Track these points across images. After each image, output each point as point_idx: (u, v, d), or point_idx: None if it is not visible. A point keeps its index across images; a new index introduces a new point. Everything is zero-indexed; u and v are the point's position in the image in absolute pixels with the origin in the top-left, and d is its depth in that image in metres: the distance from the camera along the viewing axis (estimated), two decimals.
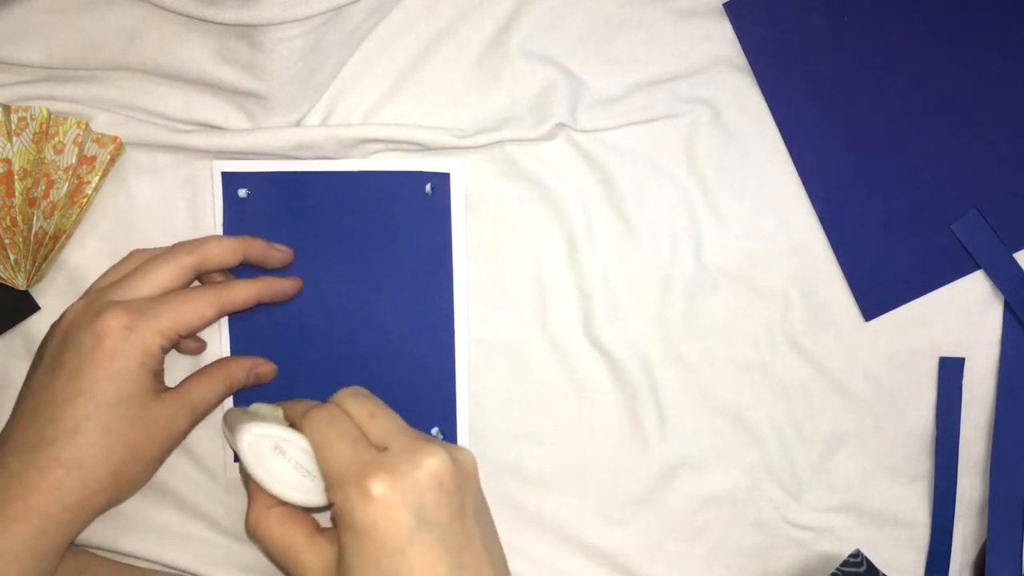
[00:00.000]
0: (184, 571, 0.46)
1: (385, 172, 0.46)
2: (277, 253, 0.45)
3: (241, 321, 0.46)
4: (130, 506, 0.46)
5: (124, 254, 0.46)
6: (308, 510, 0.39)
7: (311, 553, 0.38)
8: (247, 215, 0.46)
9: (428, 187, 0.46)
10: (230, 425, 0.40)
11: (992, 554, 0.47)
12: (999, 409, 0.47)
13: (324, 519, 0.40)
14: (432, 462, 0.36)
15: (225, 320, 0.46)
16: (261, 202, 0.46)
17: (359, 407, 0.39)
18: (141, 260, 0.43)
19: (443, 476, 0.36)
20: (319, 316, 0.46)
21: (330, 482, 0.37)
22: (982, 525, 0.48)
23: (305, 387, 0.47)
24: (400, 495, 0.35)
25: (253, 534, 0.39)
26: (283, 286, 0.45)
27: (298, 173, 0.45)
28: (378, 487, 0.35)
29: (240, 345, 0.46)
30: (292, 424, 0.40)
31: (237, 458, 0.45)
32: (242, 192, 0.46)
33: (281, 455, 0.38)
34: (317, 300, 0.46)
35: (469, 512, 0.37)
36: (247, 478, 0.40)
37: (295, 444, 0.38)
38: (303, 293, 0.46)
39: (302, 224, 0.46)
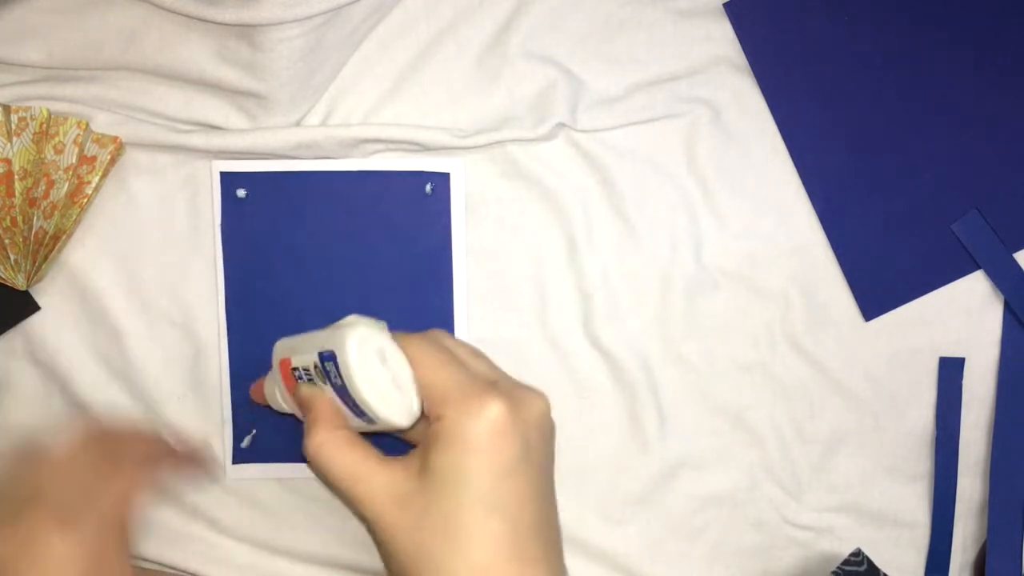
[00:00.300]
0: (184, 571, 0.47)
1: (385, 172, 0.46)
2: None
3: (241, 322, 0.46)
4: None
5: (124, 254, 0.46)
6: (373, 435, 0.38)
7: (385, 474, 0.36)
8: (246, 215, 0.46)
9: (428, 187, 0.46)
10: (312, 338, 0.38)
11: (992, 554, 0.47)
12: (999, 409, 0.47)
13: None
14: (541, 403, 0.37)
15: (224, 322, 0.46)
16: (260, 202, 0.46)
17: (459, 345, 0.39)
18: None
19: (546, 420, 0.37)
20: (319, 317, 0.46)
21: (441, 398, 0.36)
22: (982, 525, 0.48)
23: None
24: (513, 423, 0.35)
25: (316, 456, 0.37)
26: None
27: (297, 173, 0.45)
28: (496, 409, 0.35)
29: (238, 345, 0.46)
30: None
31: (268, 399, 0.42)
32: (241, 192, 0.46)
33: (382, 364, 0.37)
34: (317, 301, 0.46)
35: (551, 462, 0.38)
36: (311, 398, 0.38)
37: (397, 357, 0.37)
38: (303, 294, 0.46)
39: (301, 224, 0.46)
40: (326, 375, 0.38)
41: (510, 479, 0.35)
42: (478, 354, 0.39)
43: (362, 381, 0.36)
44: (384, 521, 0.36)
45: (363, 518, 0.37)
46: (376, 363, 0.37)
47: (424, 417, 0.37)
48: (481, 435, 0.35)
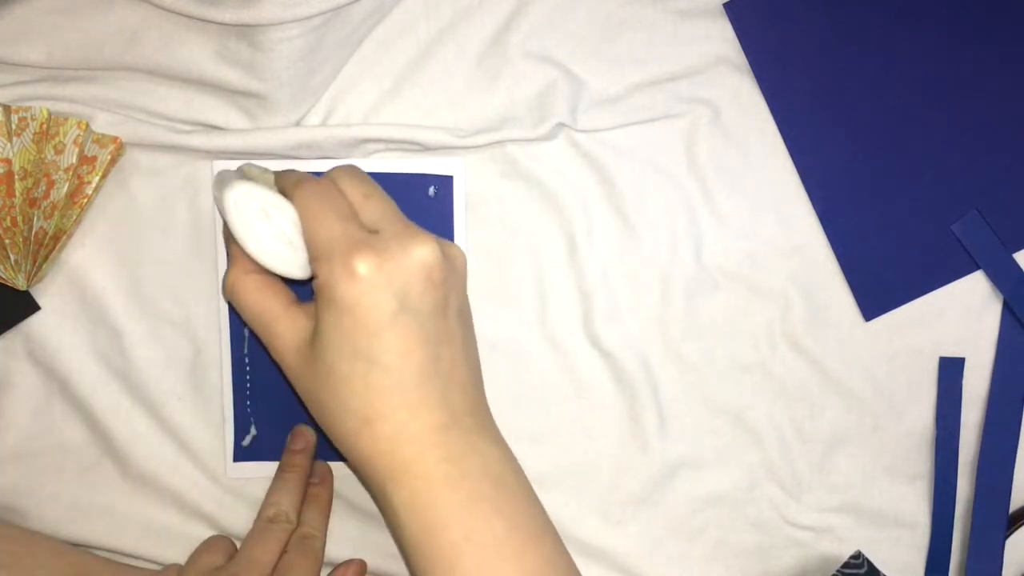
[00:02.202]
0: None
1: (388, 174, 0.46)
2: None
3: (241, 323, 0.46)
4: (130, 506, 0.46)
5: (124, 254, 0.46)
6: (286, 282, 0.39)
7: (285, 322, 0.37)
8: None
9: (431, 190, 0.46)
10: (219, 181, 0.39)
11: (973, 553, 0.47)
12: (990, 408, 0.47)
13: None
14: (422, 251, 0.36)
15: (226, 324, 0.46)
16: None
17: (354, 186, 0.38)
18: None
19: (431, 267, 0.36)
20: None
21: (315, 254, 0.36)
22: None
23: None
24: (386, 278, 0.35)
25: (230, 295, 0.39)
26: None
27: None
28: (364, 266, 0.35)
29: (240, 347, 0.46)
30: (283, 193, 0.38)
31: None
32: None
33: (266, 219, 0.37)
34: None
35: (453, 308, 0.37)
36: (227, 239, 0.39)
37: (282, 211, 0.37)
38: (305, 294, 0.46)
39: None
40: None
41: (387, 332, 0.35)
42: (371, 196, 0.38)
43: (244, 238, 0.37)
44: (285, 365, 0.38)
45: (273, 361, 0.38)
46: (259, 219, 0.37)
47: None
48: (348, 294, 0.35)
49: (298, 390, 0.38)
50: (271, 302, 0.38)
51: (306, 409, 0.39)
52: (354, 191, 0.38)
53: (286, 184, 0.38)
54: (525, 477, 0.38)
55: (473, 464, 0.36)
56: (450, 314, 0.37)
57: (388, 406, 0.35)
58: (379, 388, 0.35)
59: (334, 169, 0.39)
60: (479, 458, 0.36)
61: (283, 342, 0.37)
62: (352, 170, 0.39)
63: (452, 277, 0.37)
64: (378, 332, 0.35)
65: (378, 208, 0.38)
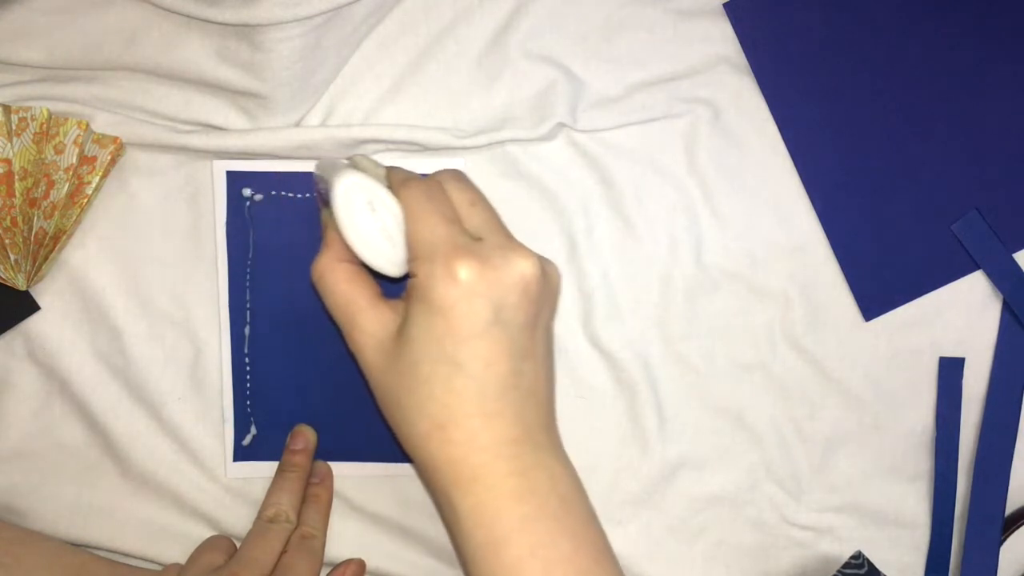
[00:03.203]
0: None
1: None
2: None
3: (241, 323, 0.46)
4: (130, 506, 0.46)
5: (124, 254, 0.46)
6: (376, 276, 0.39)
7: (370, 316, 0.37)
8: (251, 214, 0.46)
9: None
10: (326, 168, 0.39)
11: (968, 554, 0.47)
12: (988, 408, 0.47)
13: None
14: (523, 265, 0.36)
15: (226, 324, 0.46)
16: (265, 202, 0.46)
17: (461, 191, 0.38)
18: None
19: (529, 281, 0.36)
20: (320, 318, 0.46)
21: (416, 253, 0.36)
22: None
23: (307, 389, 0.47)
24: (485, 286, 0.35)
25: (317, 281, 0.39)
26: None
27: (303, 173, 0.45)
28: (465, 271, 0.34)
29: (240, 347, 0.46)
30: (390, 188, 0.38)
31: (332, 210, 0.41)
32: (246, 191, 0.46)
33: (371, 212, 0.37)
34: (318, 301, 0.46)
35: (542, 324, 0.37)
36: (327, 224, 0.39)
37: (388, 206, 0.37)
38: (304, 295, 0.46)
39: (306, 224, 0.46)
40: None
41: (477, 340, 0.35)
42: (476, 203, 0.38)
43: (347, 227, 0.37)
44: (363, 358, 0.38)
45: (351, 354, 0.38)
46: (365, 211, 0.37)
47: None
48: (445, 298, 0.35)
49: (373, 385, 0.38)
50: (359, 294, 0.38)
51: (377, 408, 0.38)
52: (460, 196, 0.38)
53: (394, 181, 0.38)
54: (589, 499, 0.38)
55: (542, 480, 0.36)
56: (539, 330, 0.37)
57: (464, 413, 0.35)
58: (459, 394, 0.35)
59: (441, 172, 0.39)
60: (548, 475, 0.36)
61: (365, 336, 0.37)
62: (459, 175, 0.39)
63: (547, 294, 0.37)
64: (469, 339, 0.35)
65: (482, 216, 0.38)
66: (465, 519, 0.35)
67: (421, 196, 0.37)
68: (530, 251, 0.36)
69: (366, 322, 0.37)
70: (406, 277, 0.38)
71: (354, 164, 0.40)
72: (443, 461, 0.36)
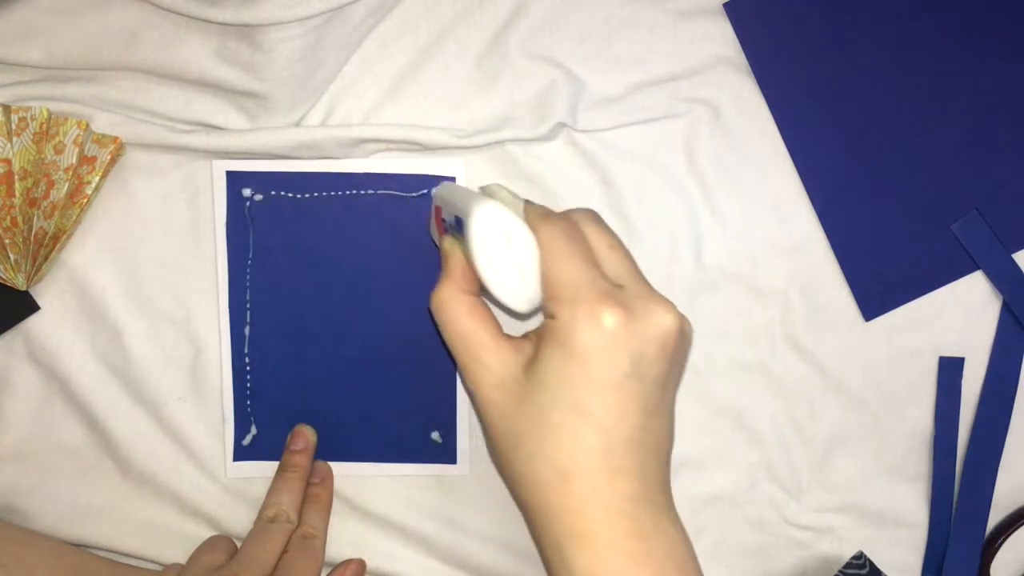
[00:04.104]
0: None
1: (388, 174, 0.46)
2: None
3: (241, 323, 0.46)
4: (130, 506, 0.46)
5: (124, 254, 0.46)
6: (500, 309, 0.37)
7: (494, 353, 0.36)
8: (251, 215, 0.46)
9: (433, 190, 0.46)
10: (454, 194, 0.38)
11: (952, 550, 0.47)
12: (981, 408, 0.47)
13: None
14: (667, 318, 0.35)
15: (226, 324, 0.46)
16: (265, 202, 0.46)
17: (600, 234, 0.37)
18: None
19: (668, 335, 0.35)
20: (320, 318, 0.46)
21: (557, 295, 0.35)
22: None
23: (307, 389, 0.47)
24: (628, 337, 0.34)
25: (437, 310, 0.37)
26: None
27: (303, 173, 0.45)
28: (611, 319, 0.33)
29: (240, 347, 0.46)
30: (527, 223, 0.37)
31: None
32: (246, 191, 0.46)
33: (507, 244, 0.35)
34: (318, 302, 0.46)
35: (672, 381, 0.36)
36: (450, 252, 0.38)
37: (525, 241, 0.36)
38: (304, 294, 0.46)
39: (306, 224, 0.46)
40: (462, 237, 0.37)
41: (612, 392, 0.34)
42: (616, 248, 0.37)
43: (481, 259, 0.36)
44: (482, 396, 0.36)
45: (466, 388, 0.37)
46: (501, 243, 0.36)
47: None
48: (587, 345, 0.33)
49: (490, 424, 0.37)
50: (482, 328, 0.36)
51: (496, 451, 0.37)
52: (599, 239, 0.37)
53: (531, 215, 0.37)
54: (699, 565, 0.36)
55: (659, 545, 0.34)
56: (670, 386, 0.36)
57: (590, 466, 0.34)
58: (587, 445, 0.34)
59: (577, 212, 0.38)
60: (665, 540, 0.35)
61: (487, 373, 0.36)
62: (596, 217, 0.38)
63: (681, 350, 0.36)
64: (604, 389, 0.34)
65: (621, 261, 0.37)
66: (579, 575, 0.34)
67: (562, 235, 0.35)
68: (672, 304, 0.35)
69: (489, 358, 0.36)
70: (531, 315, 0.37)
71: (490, 193, 0.38)
72: (562, 512, 0.34)
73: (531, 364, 0.35)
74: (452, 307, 0.37)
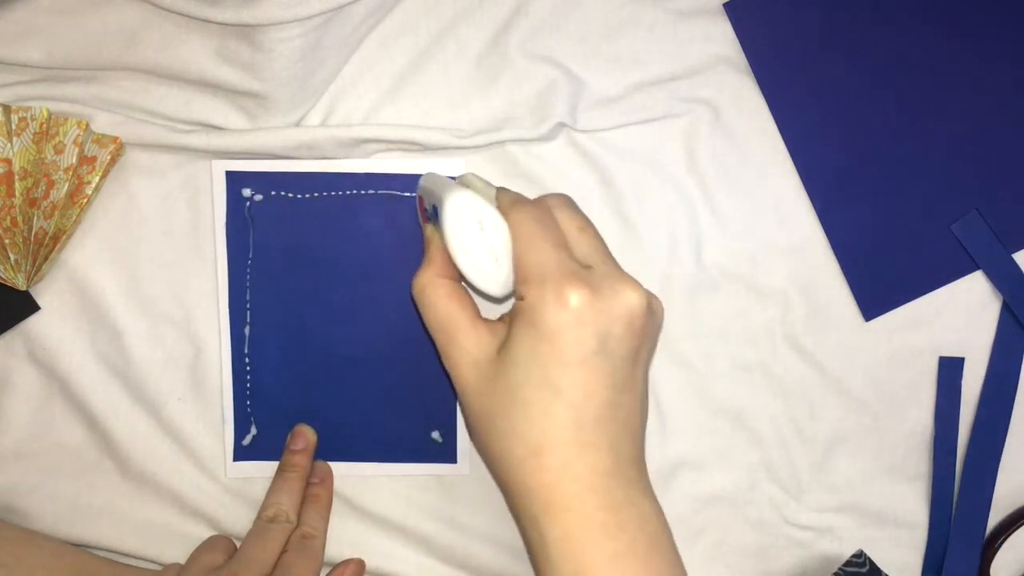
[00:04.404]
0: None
1: (388, 174, 0.46)
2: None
3: (241, 323, 0.46)
4: (130, 506, 0.46)
5: (124, 254, 0.46)
6: (477, 294, 0.39)
7: (470, 334, 0.37)
8: (251, 215, 0.46)
9: None
10: (434, 183, 0.39)
11: (952, 550, 0.47)
12: (980, 408, 0.47)
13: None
14: (632, 296, 0.36)
15: (226, 324, 0.46)
16: (265, 202, 0.46)
17: (570, 218, 0.38)
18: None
19: (636, 314, 0.35)
20: (320, 318, 0.46)
21: (526, 276, 0.36)
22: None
23: (307, 389, 0.47)
24: (593, 315, 0.34)
25: (418, 295, 0.39)
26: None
27: (303, 173, 0.45)
28: (576, 298, 0.34)
29: (240, 347, 0.46)
30: (499, 209, 0.38)
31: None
32: (246, 191, 0.46)
33: (480, 231, 0.37)
34: (318, 302, 0.46)
35: (642, 359, 0.37)
36: (431, 239, 0.39)
37: (497, 227, 0.37)
38: (304, 294, 0.46)
39: (306, 224, 0.46)
40: (438, 225, 0.38)
41: (580, 369, 0.34)
42: (585, 231, 0.38)
43: (455, 245, 0.37)
44: (459, 377, 0.37)
45: (445, 370, 0.38)
46: (474, 229, 0.37)
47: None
48: (553, 323, 0.34)
49: (465, 404, 0.38)
50: (459, 311, 0.38)
51: (473, 430, 0.38)
52: (569, 222, 0.38)
53: (503, 201, 0.38)
54: (674, 542, 0.37)
55: (631, 517, 0.35)
56: (639, 363, 0.37)
57: (560, 440, 0.35)
58: (557, 420, 0.35)
59: (549, 197, 0.39)
60: (637, 512, 0.36)
61: (464, 354, 0.37)
62: (568, 201, 0.39)
63: (651, 328, 0.37)
64: (572, 366, 0.34)
65: (591, 243, 0.38)
66: (552, 548, 0.35)
67: (531, 219, 0.37)
68: (638, 284, 0.36)
69: (465, 340, 0.37)
70: (506, 298, 0.38)
71: (464, 182, 0.40)
72: (535, 487, 0.35)
73: (504, 345, 0.36)
74: (431, 291, 0.38)
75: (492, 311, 0.41)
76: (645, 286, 0.47)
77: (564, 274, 0.35)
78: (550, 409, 0.35)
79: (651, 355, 0.38)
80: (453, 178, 0.42)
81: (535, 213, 0.37)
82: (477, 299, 0.39)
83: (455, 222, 0.37)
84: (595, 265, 0.37)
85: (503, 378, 0.36)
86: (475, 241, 0.37)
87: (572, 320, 0.34)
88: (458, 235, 0.37)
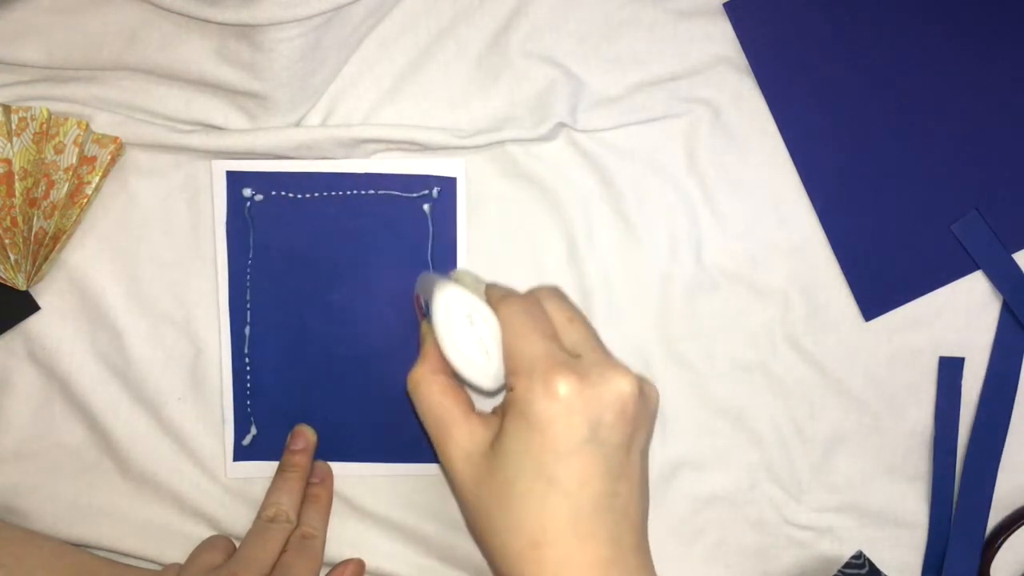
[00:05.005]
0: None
1: (388, 174, 0.46)
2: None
3: (241, 323, 0.46)
4: (130, 506, 0.46)
5: (124, 254, 0.46)
6: (470, 389, 0.39)
7: (463, 430, 0.37)
8: (251, 215, 0.46)
9: (435, 191, 0.46)
10: (427, 280, 0.40)
11: (952, 550, 0.47)
12: (980, 408, 0.47)
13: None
14: (621, 383, 0.35)
15: (226, 324, 0.46)
16: (265, 202, 0.46)
17: (559, 309, 0.38)
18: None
19: (627, 401, 0.35)
20: (321, 318, 0.46)
21: (514, 368, 0.36)
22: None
23: (307, 389, 0.47)
24: (583, 403, 0.34)
25: (413, 391, 0.39)
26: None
27: (304, 173, 0.45)
28: (564, 387, 0.34)
29: (240, 347, 0.46)
30: (489, 303, 0.39)
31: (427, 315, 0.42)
32: (247, 191, 0.46)
33: (470, 325, 0.38)
34: (319, 301, 0.46)
35: (637, 445, 0.37)
36: (426, 335, 0.40)
37: (487, 321, 0.38)
38: (304, 294, 0.46)
39: (306, 224, 0.46)
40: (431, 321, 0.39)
41: (573, 458, 0.34)
42: (575, 320, 0.38)
43: (445, 340, 0.38)
44: (453, 471, 0.37)
45: (441, 466, 0.38)
46: (464, 325, 0.38)
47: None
48: (543, 414, 0.34)
49: (462, 498, 0.38)
50: (453, 406, 0.38)
51: (471, 524, 0.38)
52: (558, 313, 0.38)
53: (492, 296, 0.38)
54: None
55: None
56: (634, 450, 0.36)
57: (559, 532, 0.34)
58: (554, 512, 0.34)
59: (539, 289, 0.39)
60: None
61: (458, 449, 0.37)
62: (557, 292, 0.39)
63: (644, 414, 0.37)
64: (564, 456, 0.34)
65: (580, 332, 0.38)
66: None
67: (520, 311, 0.37)
68: (628, 370, 0.36)
69: (459, 434, 0.37)
70: (499, 391, 0.38)
71: (455, 278, 0.40)
72: None
73: (497, 438, 0.36)
74: (425, 387, 0.38)
75: (490, 405, 0.41)
76: (646, 285, 0.47)
77: (552, 364, 0.35)
78: (546, 500, 0.34)
79: (648, 440, 0.38)
80: (446, 274, 0.43)
81: (523, 305, 0.37)
82: (475, 395, 0.40)
83: (444, 317, 0.38)
84: (584, 354, 0.36)
85: (498, 471, 0.36)
86: (465, 335, 0.38)
87: (562, 409, 0.34)
88: (448, 330, 0.38)
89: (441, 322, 0.38)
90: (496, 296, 0.38)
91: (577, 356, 0.36)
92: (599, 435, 0.35)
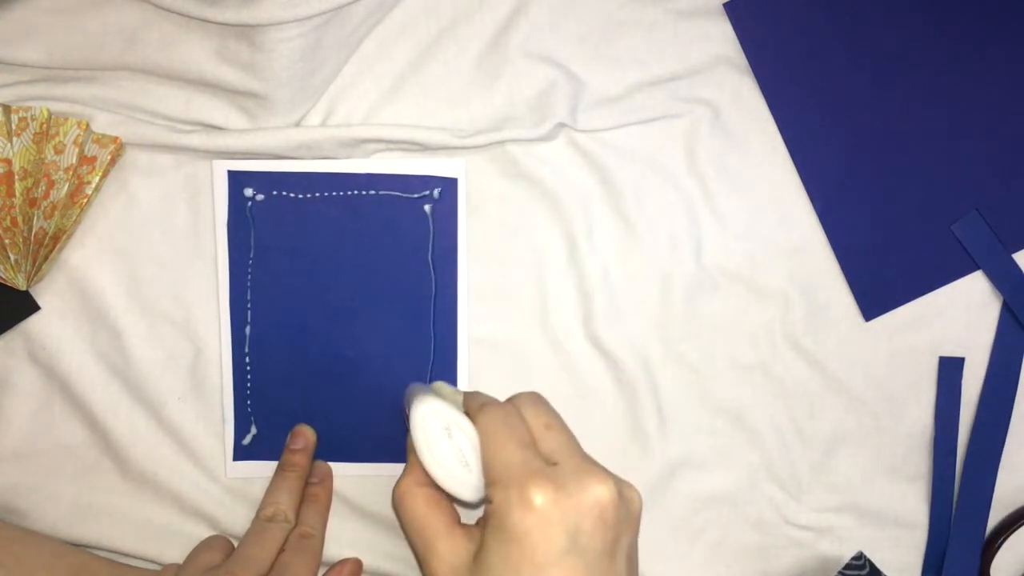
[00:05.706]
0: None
1: (388, 174, 0.46)
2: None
3: (242, 322, 0.46)
4: (130, 506, 0.46)
5: (124, 254, 0.46)
6: (454, 501, 0.39)
7: (447, 543, 0.37)
8: (252, 214, 0.46)
9: (436, 191, 0.46)
10: (409, 395, 0.40)
11: (952, 550, 0.47)
12: (980, 408, 0.47)
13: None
14: (600, 489, 0.35)
15: (227, 322, 0.46)
16: (266, 201, 0.46)
17: (536, 415, 0.38)
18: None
19: (606, 507, 0.35)
20: (321, 318, 0.46)
21: (492, 479, 0.36)
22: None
23: (307, 389, 0.47)
24: (560, 512, 0.34)
25: (397, 504, 0.39)
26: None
27: (304, 173, 0.45)
28: (540, 497, 0.34)
29: (240, 347, 0.46)
30: (467, 414, 0.39)
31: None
32: (248, 191, 0.46)
33: (448, 438, 0.38)
34: (319, 301, 0.46)
35: (622, 550, 0.36)
36: (410, 448, 0.40)
37: (465, 432, 0.38)
38: (305, 294, 0.46)
39: (307, 224, 0.46)
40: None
41: (553, 570, 0.34)
42: (552, 427, 0.38)
43: (425, 453, 0.38)
44: None
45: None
46: (442, 438, 0.38)
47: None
48: (520, 525, 0.34)
49: None
50: (436, 519, 0.38)
51: None
52: (536, 420, 0.38)
53: (471, 406, 0.39)
54: None
55: None
56: (618, 557, 0.36)
57: None
58: None
59: (519, 396, 0.39)
60: None
61: (441, 562, 0.37)
62: (536, 398, 0.39)
63: (626, 519, 0.36)
64: (544, 567, 0.34)
65: (558, 439, 0.37)
66: None
67: (496, 421, 0.37)
68: (607, 474, 0.36)
69: (442, 547, 0.37)
70: (481, 503, 0.38)
71: (434, 391, 0.41)
72: None
73: (479, 551, 0.36)
74: (409, 499, 0.39)
75: (475, 516, 0.41)
76: (647, 285, 0.47)
77: (527, 473, 0.35)
78: None
79: (632, 544, 0.37)
80: (427, 385, 0.43)
81: (500, 414, 0.37)
82: (461, 506, 0.40)
83: (422, 430, 0.38)
84: (562, 461, 0.36)
85: None
86: (443, 448, 0.38)
87: (539, 520, 0.34)
88: (427, 443, 0.38)
89: (420, 437, 0.38)
90: (474, 406, 0.38)
91: (554, 464, 0.36)
92: (579, 544, 0.34)
